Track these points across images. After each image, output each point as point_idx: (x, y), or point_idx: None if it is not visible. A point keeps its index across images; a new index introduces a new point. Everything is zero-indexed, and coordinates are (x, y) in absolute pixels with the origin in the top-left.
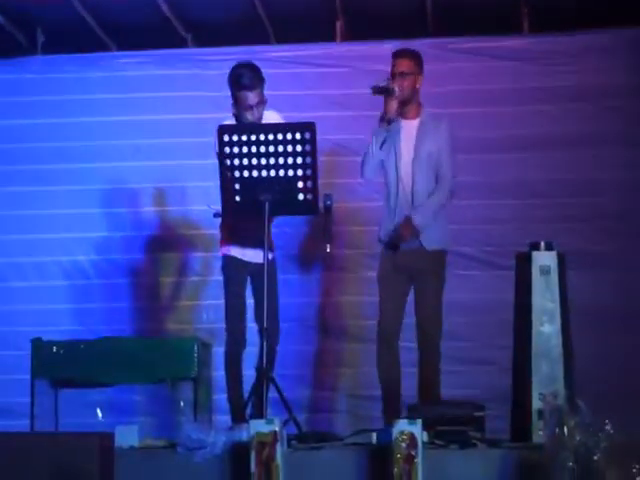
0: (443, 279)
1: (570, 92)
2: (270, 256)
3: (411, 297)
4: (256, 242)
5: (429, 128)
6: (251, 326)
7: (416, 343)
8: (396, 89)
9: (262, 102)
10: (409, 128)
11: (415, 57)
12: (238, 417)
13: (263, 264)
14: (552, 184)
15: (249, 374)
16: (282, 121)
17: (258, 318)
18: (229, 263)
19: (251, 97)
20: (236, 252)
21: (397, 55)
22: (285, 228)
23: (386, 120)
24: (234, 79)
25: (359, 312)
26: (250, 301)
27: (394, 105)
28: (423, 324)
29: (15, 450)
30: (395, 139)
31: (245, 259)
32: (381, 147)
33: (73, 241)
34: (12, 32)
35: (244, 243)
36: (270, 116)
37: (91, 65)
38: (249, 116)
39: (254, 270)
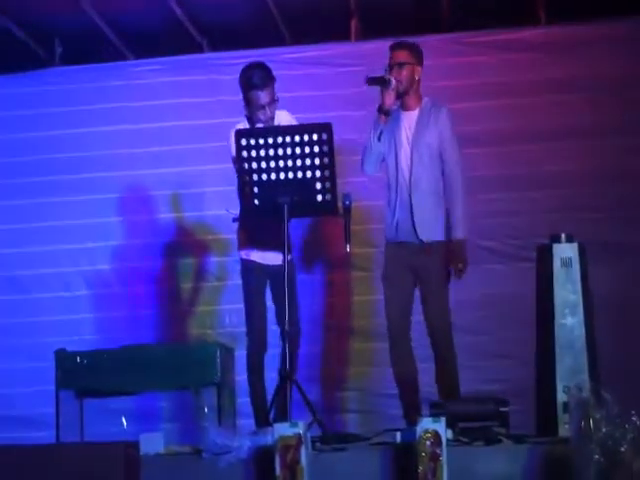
0: (446, 273)
1: (587, 82)
2: (289, 258)
3: (417, 293)
4: (275, 245)
5: (428, 118)
6: (273, 329)
7: (429, 340)
8: (392, 80)
9: (274, 101)
10: (409, 119)
11: (412, 48)
12: (262, 421)
13: (282, 266)
14: (571, 175)
15: (272, 377)
16: (294, 120)
17: (279, 321)
18: (248, 267)
19: (262, 96)
20: (255, 256)
21: (393, 47)
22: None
23: (383, 111)
24: (245, 80)
25: (377, 311)
26: (270, 304)
27: (392, 96)
28: (432, 320)
29: (42, 461)
30: (395, 131)
31: (264, 262)
32: (379, 139)
33: (94, 250)
34: (30, 45)
35: (263, 246)
36: (282, 116)
37: (108, 74)
38: (261, 115)
39: (273, 273)
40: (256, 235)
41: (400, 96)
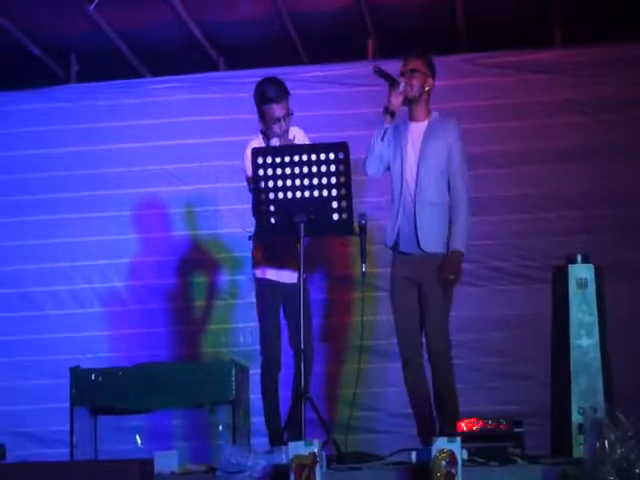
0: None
1: (603, 103)
2: (304, 276)
3: None
4: (290, 263)
5: (437, 129)
6: (285, 347)
7: (427, 354)
8: (401, 83)
9: (288, 114)
10: (416, 130)
11: (426, 58)
12: (276, 440)
13: (297, 285)
14: (586, 196)
15: (285, 395)
16: (306, 139)
17: (293, 339)
18: (263, 285)
19: (277, 109)
20: (270, 274)
21: (407, 55)
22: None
23: (389, 112)
24: (259, 93)
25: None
26: (283, 322)
27: (399, 98)
28: (430, 333)
29: (56, 479)
30: (402, 141)
31: (279, 280)
32: (382, 139)
33: (108, 267)
34: (47, 62)
35: (278, 265)
36: (295, 131)
37: (124, 92)
38: (277, 129)
39: (288, 291)
40: (271, 254)
41: (408, 102)
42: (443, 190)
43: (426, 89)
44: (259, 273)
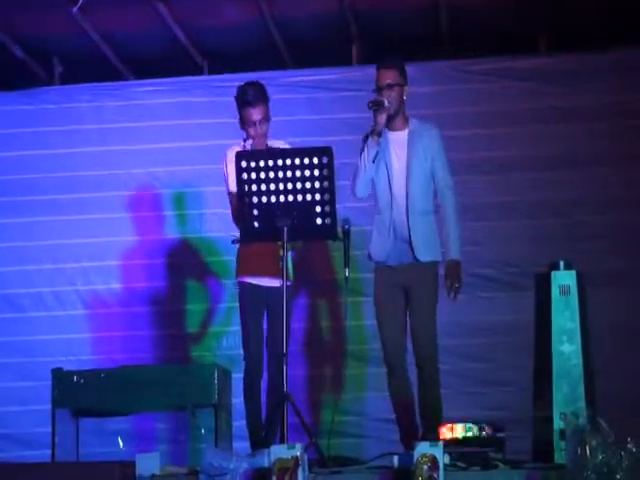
0: (436, 291)
1: (588, 111)
2: (289, 283)
3: None
4: (273, 268)
5: (419, 137)
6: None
7: (414, 359)
8: (386, 102)
9: (265, 119)
10: (398, 140)
11: (399, 68)
12: (257, 444)
13: (280, 289)
14: (570, 203)
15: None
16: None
17: (271, 343)
18: (246, 290)
19: (254, 113)
20: (253, 279)
21: (380, 67)
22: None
23: (376, 133)
24: (239, 97)
25: (374, 335)
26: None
27: (384, 118)
28: (417, 341)
29: None
30: (384, 152)
31: (262, 285)
32: (373, 161)
33: (91, 270)
34: (30, 64)
35: (261, 269)
36: (278, 145)
37: (107, 94)
38: (252, 131)
39: (271, 295)
40: (254, 258)
41: (391, 117)
42: (430, 198)
43: (404, 98)
44: (241, 277)
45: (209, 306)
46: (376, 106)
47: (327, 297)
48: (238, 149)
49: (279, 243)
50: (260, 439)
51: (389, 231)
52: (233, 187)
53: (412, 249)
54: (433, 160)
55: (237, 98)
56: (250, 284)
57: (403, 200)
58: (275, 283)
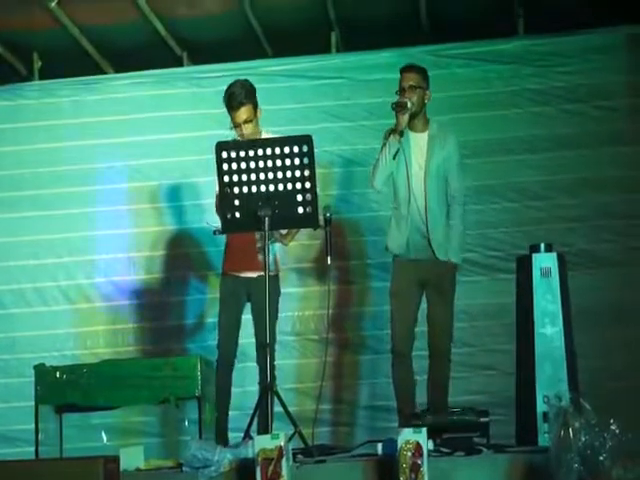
0: (454, 291)
1: (567, 93)
2: (272, 272)
3: (423, 305)
4: (257, 257)
5: (438, 141)
6: (250, 342)
7: (427, 351)
8: (409, 103)
9: (250, 120)
10: (418, 141)
11: (422, 72)
12: (220, 439)
13: (261, 280)
14: (550, 185)
15: (252, 390)
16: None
17: (259, 333)
18: (227, 281)
19: (236, 116)
20: (234, 269)
21: (404, 70)
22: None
23: (399, 132)
24: (224, 99)
25: (363, 323)
26: (248, 317)
27: (406, 118)
28: (435, 334)
29: (21, 478)
30: (405, 151)
31: (244, 275)
32: (394, 157)
33: (73, 265)
34: (9, 60)
35: (243, 259)
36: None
37: (87, 88)
38: (238, 131)
39: (254, 285)
40: (236, 248)
41: (412, 118)
42: (445, 200)
43: (425, 102)
44: (224, 267)
45: (193, 298)
46: (399, 107)
47: (314, 286)
48: None
49: (260, 233)
50: (223, 435)
51: (406, 227)
52: None
53: (431, 246)
54: (449, 164)
55: (223, 101)
56: (231, 275)
57: (422, 198)
58: (254, 274)
